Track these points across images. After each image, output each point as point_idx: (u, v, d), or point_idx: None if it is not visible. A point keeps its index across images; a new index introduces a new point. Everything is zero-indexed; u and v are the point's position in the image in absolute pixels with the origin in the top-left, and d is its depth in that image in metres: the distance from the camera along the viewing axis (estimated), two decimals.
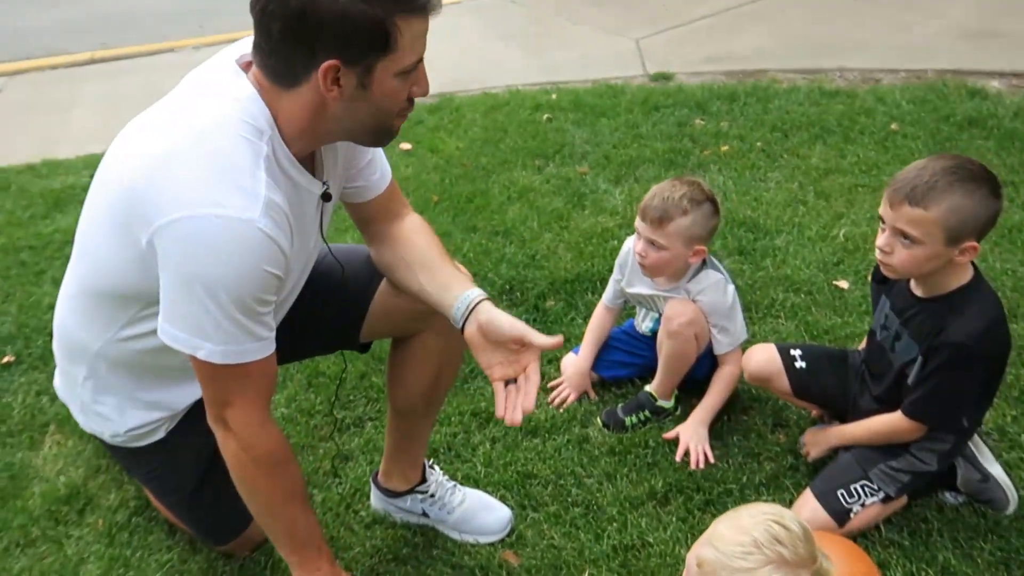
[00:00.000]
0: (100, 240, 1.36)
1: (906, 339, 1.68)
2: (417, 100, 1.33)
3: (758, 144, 3.37)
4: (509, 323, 1.38)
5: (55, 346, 1.58)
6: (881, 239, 1.60)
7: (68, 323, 1.51)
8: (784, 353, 1.89)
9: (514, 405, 1.38)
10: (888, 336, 1.73)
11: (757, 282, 2.53)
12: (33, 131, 4.12)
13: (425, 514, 1.84)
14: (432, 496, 1.83)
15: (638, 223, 1.96)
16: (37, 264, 2.88)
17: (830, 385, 1.88)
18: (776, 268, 2.59)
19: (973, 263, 1.63)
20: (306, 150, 1.35)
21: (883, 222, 1.60)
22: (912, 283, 1.68)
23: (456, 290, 1.45)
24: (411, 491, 1.82)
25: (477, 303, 1.42)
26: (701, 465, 1.90)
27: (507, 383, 1.40)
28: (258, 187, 1.23)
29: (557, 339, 1.39)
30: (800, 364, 1.88)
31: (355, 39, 1.19)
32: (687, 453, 1.93)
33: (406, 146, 3.61)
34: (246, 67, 1.30)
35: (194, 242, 1.21)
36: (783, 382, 1.88)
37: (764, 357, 1.90)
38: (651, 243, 1.94)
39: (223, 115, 1.25)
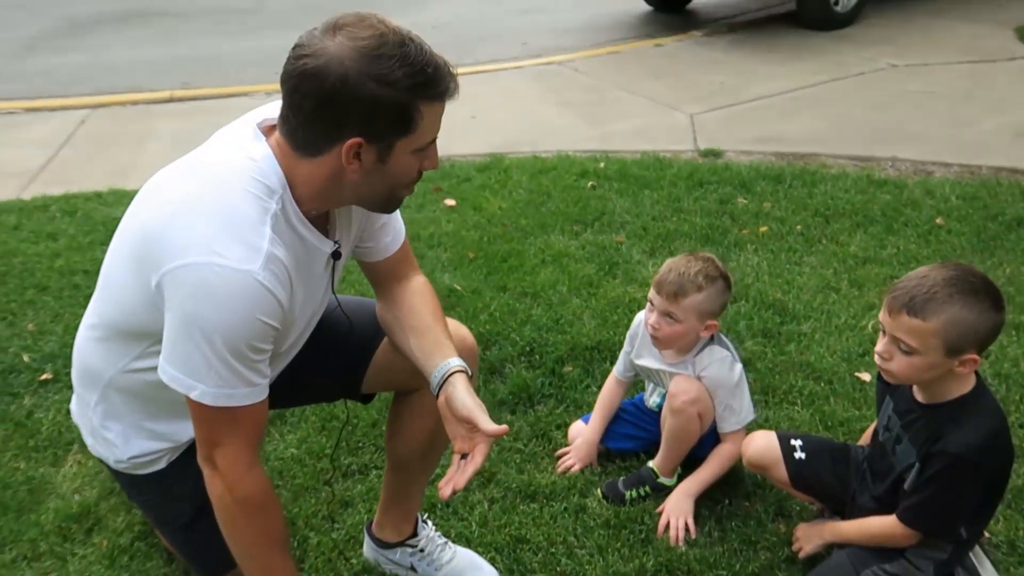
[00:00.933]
0: (119, 277, 1.45)
1: (906, 443, 1.65)
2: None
3: (798, 227, 3.37)
4: (462, 403, 1.44)
5: (73, 370, 1.67)
6: (880, 345, 1.59)
7: (85, 350, 1.60)
8: (784, 441, 1.87)
9: (448, 479, 1.43)
10: (890, 438, 1.71)
11: (778, 366, 2.51)
12: (107, 161, 4.36)
13: (413, 568, 1.85)
14: (422, 551, 1.84)
15: (653, 295, 1.99)
16: (88, 288, 3.00)
17: (829, 479, 1.84)
18: (799, 354, 2.56)
19: (976, 371, 1.60)
20: (319, 210, 1.43)
21: (883, 328, 1.59)
22: (915, 387, 1.66)
23: (437, 359, 1.50)
24: (402, 544, 1.84)
25: (451, 374, 1.47)
26: (681, 540, 1.89)
27: (462, 457, 1.46)
28: (261, 241, 1.31)
29: (502, 428, 1.43)
30: (800, 455, 1.85)
31: (380, 121, 1.29)
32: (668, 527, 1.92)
33: (451, 202, 3.71)
34: (267, 131, 1.39)
35: (195, 288, 1.28)
36: (781, 471, 1.86)
37: (763, 444, 1.88)
38: (665, 316, 1.96)
39: (237, 172, 1.34)
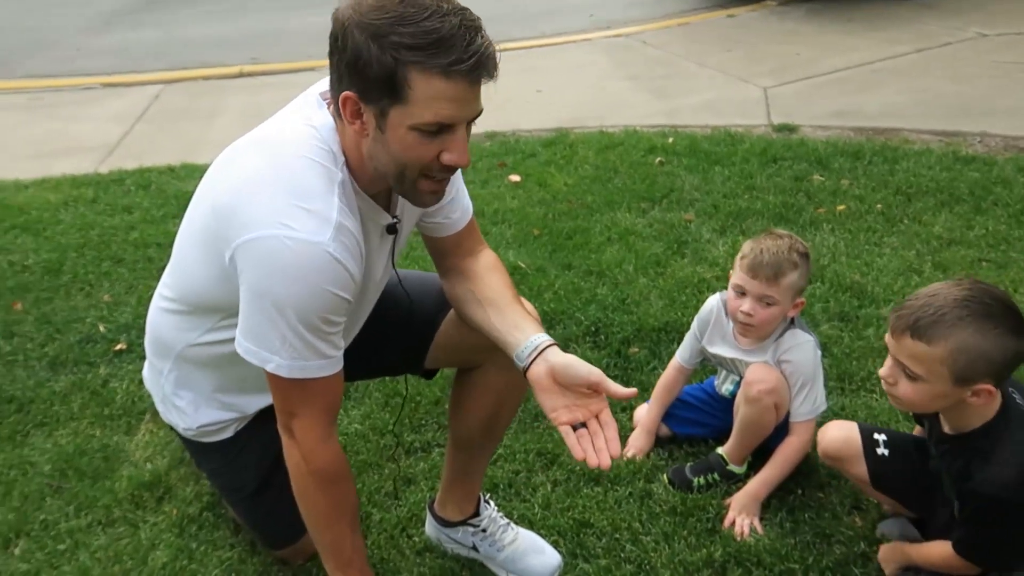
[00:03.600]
0: (191, 252, 1.45)
1: (946, 479, 1.54)
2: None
3: (878, 206, 3.22)
4: (586, 368, 1.37)
5: (146, 339, 1.70)
6: (884, 368, 1.46)
7: (158, 321, 1.62)
8: (866, 435, 1.74)
9: (599, 449, 1.36)
10: (936, 467, 1.59)
11: (855, 351, 2.40)
12: (180, 136, 4.45)
13: (475, 548, 1.84)
14: (484, 531, 1.83)
15: (745, 280, 1.87)
16: (161, 260, 3.09)
17: (913, 482, 1.69)
18: (878, 339, 2.45)
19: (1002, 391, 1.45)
20: (373, 186, 1.40)
21: (888, 349, 1.46)
22: (940, 415, 1.53)
23: (526, 331, 1.45)
24: (464, 523, 1.83)
25: (546, 346, 1.42)
26: (746, 535, 1.83)
27: (575, 428, 1.39)
28: (331, 212, 1.29)
29: (631, 391, 1.38)
30: (883, 451, 1.71)
31: (368, 78, 1.23)
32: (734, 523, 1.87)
33: (515, 178, 3.66)
34: (329, 102, 1.36)
35: (266, 261, 1.28)
36: (860, 467, 1.73)
37: (842, 435, 1.76)
38: (760, 300, 1.87)
39: (303, 141, 1.32)
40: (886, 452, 1.71)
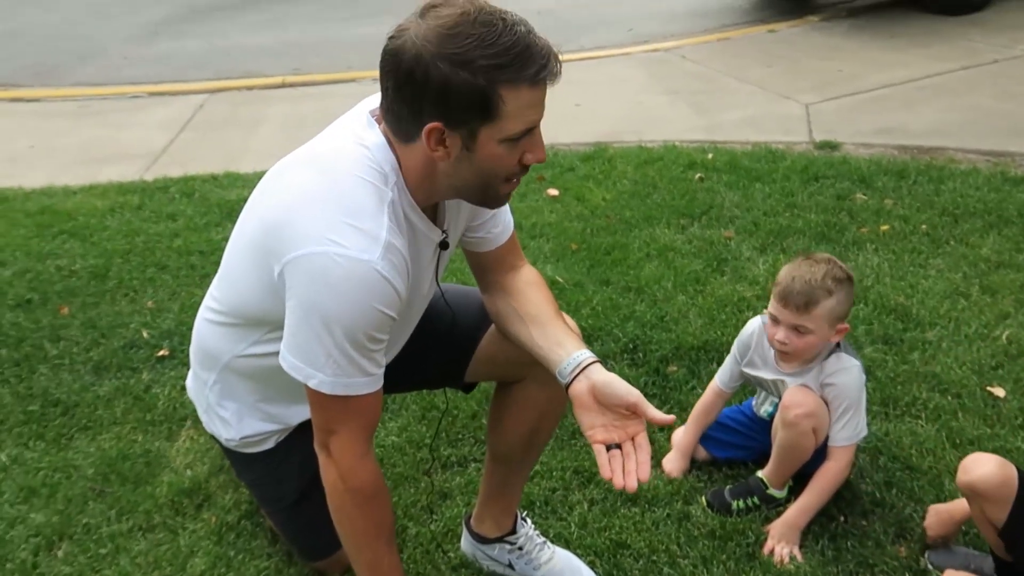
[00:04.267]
0: (240, 265, 1.47)
1: None
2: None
3: (923, 227, 3.16)
4: (625, 388, 1.38)
5: (191, 348, 1.72)
6: None
7: (204, 332, 1.64)
8: (1023, 483, 1.61)
9: (628, 471, 1.36)
10: None
11: (900, 376, 2.36)
12: (223, 145, 4.52)
13: (511, 566, 1.83)
14: (520, 549, 1.82)
15: (777, 309, 1.85)
16: (204, 268, 3.14)
17: None
18: (924, 364, 2.40)
19: None
20: (427, 200, 1.41)
21: None
22: None
23: (569, 348, 1.45)
24: (500, 540, 1.82)
25: (589, 363, 1.42)
26: (786, 563, 1.80)
27: (608, 447, 1.39)
28: (380, 231, 1.30)
29: (670, 417, 1.38)
30: None
31: (456, 105, 1.23)
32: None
33: (553, 192, 3.66)
34: (380, 119, 1.37)
35: (316, 277, 1.29)
36: (1001, 513, 1.61)
37: (1003, 475, 1.61)
38: (794, 329, 1.85)
39: (355, 160, 1.33)
40: None
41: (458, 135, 1.27)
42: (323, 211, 1.30)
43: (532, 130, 1.30)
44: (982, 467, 1.64)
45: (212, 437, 1.77)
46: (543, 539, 1.85)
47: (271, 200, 1.40)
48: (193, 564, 1.87)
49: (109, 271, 3.12)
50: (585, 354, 1.43)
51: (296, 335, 1.34)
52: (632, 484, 1.35)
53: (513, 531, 1.82)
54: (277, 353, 1.41)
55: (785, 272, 1.87)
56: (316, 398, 1.38)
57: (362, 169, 1.32)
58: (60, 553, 1.92)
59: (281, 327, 1.39)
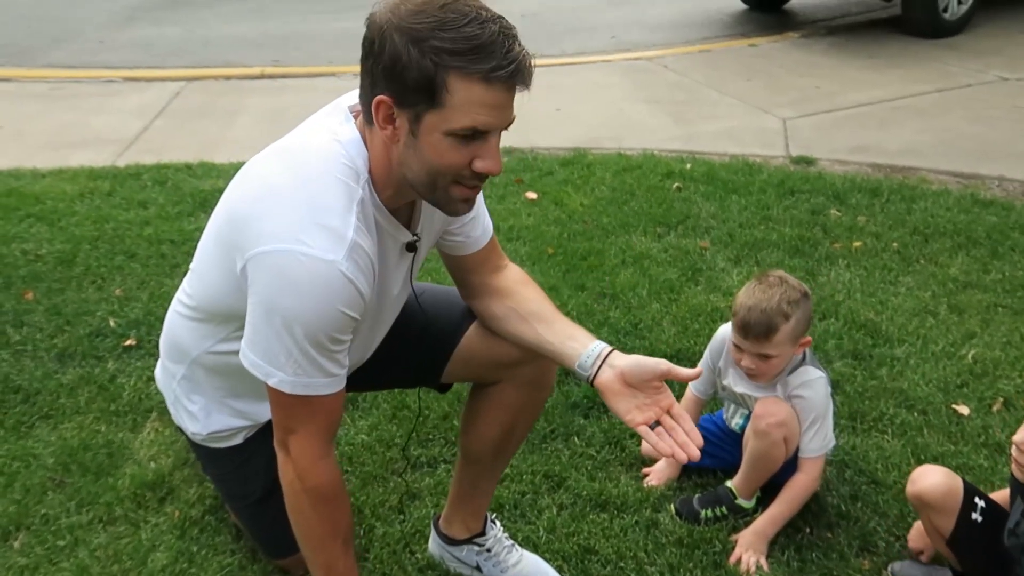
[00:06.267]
0: (207, 259, 1.45)
1: None
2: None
3: (894, 245, 3.21)
4: (653, 362, 1.41)
5: (161, 339, 1.69)
6: (1021, 434, 1.42)
7: (174, 324, 1.61)
8: (969, 496, 1.65)
9: (683, 443, 1.39)
10: (1016, 544, 1.56)
11: (868, 391, 2.39)
12: (198, 134, 4.46)
13: (479, 568, 1.82)
14: (489, 551, 1.81)
15: (739, 340, 1.87)
16: (174, 258, 3.09)
17: (986, 553, 1.63)
18: (892, 380, 2.43)
19: None
20: (396, 200, 1.39)
21: None
22: None
23: (582, 340, 1.47)
24: (469, 541, 1.81)
25: (608, 352, 1.44)
26: (752, 573, 1.81)
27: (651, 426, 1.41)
28: (347, 231, 1.27)
29: (697, 370, 1.48)
30: (977, 516, 1.63)
31: (405, 82, 1.21)
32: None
33: (532, 195, 3.66)
34: (357, 114, 1.36)
35: (278, 275, 1.27)
36: (947, 523, 1.65)
37: (947, 486, 1.65)
38: (758, 355, 1.86)
39: (326, 156, 1.31)
40: (979, 519, 1.64)
41: (405, 116, 1.25)
42: (291, 208, 1.27)
43: (485, 134, 1.25)
44: (928, 478, 1.68)
45: (178, 429, 1.74)
46: (511, 542, 1.84)
47: (238, 192, 1.38)
48: (154, 558, 1.84)
49: (76, 257, 3.06)
50: (600, 344, 1.45)
51: (257, 332, 1.32)
52: (694, 453, 1.38)
53: (482, 533, 1.81)
54: None
55: (741, 301, 1.86)
56: (276, 396, 1.36)
57: (334, 166, 1.30)
58: (17, 544, 1.88)
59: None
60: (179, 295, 1.61)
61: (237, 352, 1.44)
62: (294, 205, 1.28)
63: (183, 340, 1.58)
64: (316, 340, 1.30)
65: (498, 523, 1.86)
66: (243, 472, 1.70)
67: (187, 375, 1.61)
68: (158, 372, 1.74)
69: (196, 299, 1.53)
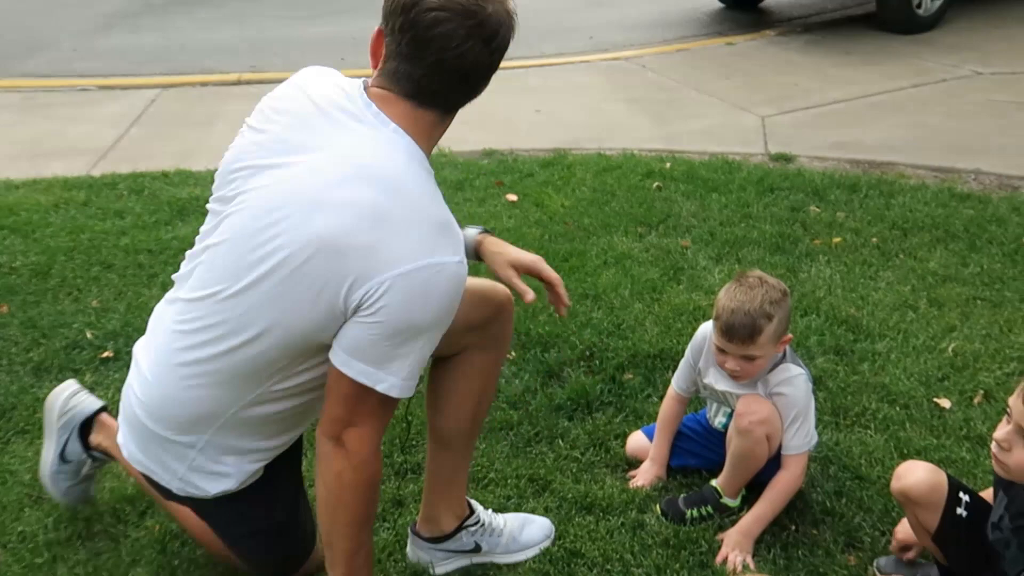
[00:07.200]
0: (274, 302, 1.36)
1: (1014, 549, 1.51)
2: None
3: (873, 240, 3.23)
4: (519, 254, 1.71)
5: (163, 420, 1.52)
6: (1001, 431, 1.42)
7: (186, 399, 1.49)
8: (953, 490, 1.64)
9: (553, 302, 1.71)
10: (1000, 539, 1.56)
11: (850, 386, 2.39)
12: (175, 141, 4.41)
13: (477, 547, 1.83)
14: (482, 525, 1.83)
15: (723, 343, 1.86)
16: (152, 267, 3.05)
17: (969, 547, 1.62)
18: (873, 374, 2.44)
19: None
20: None
21: (1009, 413, 1.41)
22: None
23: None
24: (462, 527, 1.81)
25: (482, 234, 1.68)
26: (739, 572, 1.81)
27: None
28: (449, 216, 1.38)
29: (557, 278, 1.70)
30: (962, 511, 1.62)
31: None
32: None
33: (512, 197, 3.65)
34: (378, 99, 1.42)
35: (422, 292, 1.32)
36: (932, 518, 1.64)
37: (931, 482, 1.64)
38: (743, 357, 1.86)
39: (403, 162, 1.37)
40: (964, 514, 1.63)
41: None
42: (407, 223, 1.32)
43: None
44: (913, 474, 1.68)
45: (186, 499, 1.60)
46: (488, 509, 1.88)
47: (322, 222, 1.31)
48: (135, 573, 1.81)
49: (52, 269, 3.01)
50: (470, 230, 1.64)
51: (376, 345, 1.34)
52: (560, 312, 1.70)
53: (471, 512, 1.82)
54: (315, 378, 1.42)
55: (723, 303, 1.86)
56: (358, 394, 1.36)
57: (414, 167, 1.37)
58: None
59: (319, 352, 1.39)
60: (185, 368, 1.47)
61: (288, 391, 1.45)
62: (408, 220, 1.32)
63: (205, 407, 1.48)
64: (436, 341, 1.38)
65: (468, 498, 1.86)
66: (269, 497, 1.64)
67: (212, 440, 1.52)
68: (133, 448, 1.58)
69: (245, 352, 1.41)
